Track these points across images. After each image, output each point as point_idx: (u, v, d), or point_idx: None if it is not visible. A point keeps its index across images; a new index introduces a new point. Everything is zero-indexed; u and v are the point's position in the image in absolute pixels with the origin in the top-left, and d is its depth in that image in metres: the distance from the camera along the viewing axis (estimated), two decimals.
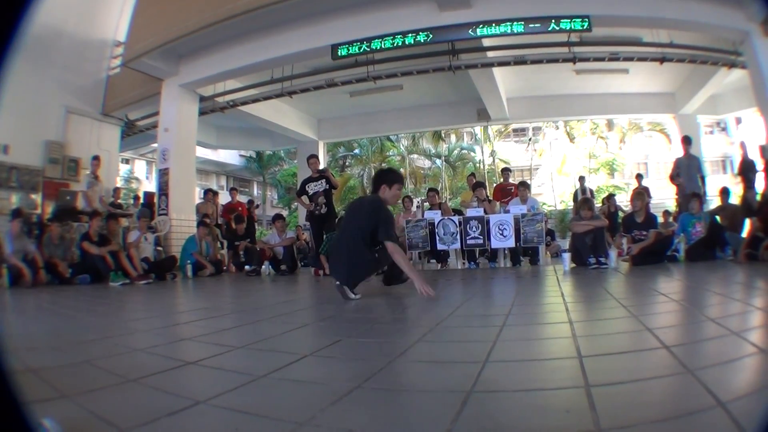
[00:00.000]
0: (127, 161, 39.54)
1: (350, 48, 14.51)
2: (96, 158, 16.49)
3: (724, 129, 42.05)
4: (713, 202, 16.59)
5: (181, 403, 2.25)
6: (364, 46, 14.39)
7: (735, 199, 14.65)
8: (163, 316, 6.23)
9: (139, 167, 42.80)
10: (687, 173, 14.73)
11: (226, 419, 2.07)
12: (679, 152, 15.72)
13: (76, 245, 12.85)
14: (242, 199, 24.23)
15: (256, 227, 20.67)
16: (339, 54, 14.64)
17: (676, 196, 15.76)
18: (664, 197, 20.53)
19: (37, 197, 16.16)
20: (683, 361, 2.52)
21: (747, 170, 14.64)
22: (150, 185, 33.62)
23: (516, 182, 16.08)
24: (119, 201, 18.96)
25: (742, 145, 16.33)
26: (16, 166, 15.52)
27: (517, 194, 13.94)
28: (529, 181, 15.58)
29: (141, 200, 20.05)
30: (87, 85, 18.22)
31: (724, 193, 14.12)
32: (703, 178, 14.81)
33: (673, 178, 15.14)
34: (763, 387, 2.18)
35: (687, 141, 15.41)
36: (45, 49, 15.66)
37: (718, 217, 12.56)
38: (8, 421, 1.28)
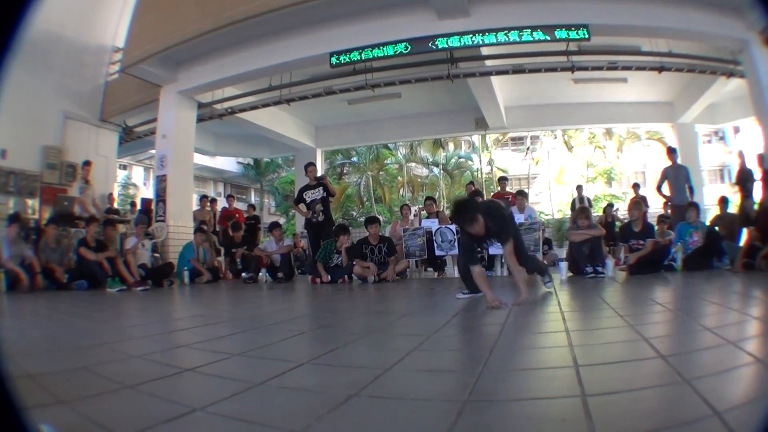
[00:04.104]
0: (124, 167, 39.45)
1: (348, 56, 14.53)
2: (87, 163, 16.47)
3: (722, 138, 42.09)
4: (709, 211, 16.56)
5: (177, 410, 2.26)
6: (362, 54, 14.41)
7: (733, 208, 14.61)
8: (160, 323, 6.25)
9: (137, 173, 42.69)
10: (675, 183, 14.67)
11: (223, 427, 2.08)
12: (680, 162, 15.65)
13: (74, 251, 12.84)
14: (240, 206, 24.26)
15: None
16: (337, 62, 14.64)
17: (664, 209, 15.76)
18: (659, 207, 20.48)
19: (34, 202, 16.14)
20: (679, 370, 2.53)
21: (745, 179, 14.62)
22: (148, 191, 33.55)
23: (513, 191, 16.06)
24: (114, 206, 18.95)
25: (740, 155, 16.28)
26: (14, 171, 15.46)
27: (515, 203, 13.92)
28: (526, 190, 15.45)
29: (138, 206, 20.02)
30: (85, 90, 18.20)
31: (723, 202, 14.08)
32: (691, 189, 14.72)
33: (660, 188, 15.11)
34: (760, 397, 2.18)
35: (672, 152, 15.36)
36: (43, 55, 15.62)
37: (716, 227, 12.56)
38: (7, 426, 1.28)
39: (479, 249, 6.72)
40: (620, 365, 2.89)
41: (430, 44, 14.03)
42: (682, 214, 12.88)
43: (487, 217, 6.39)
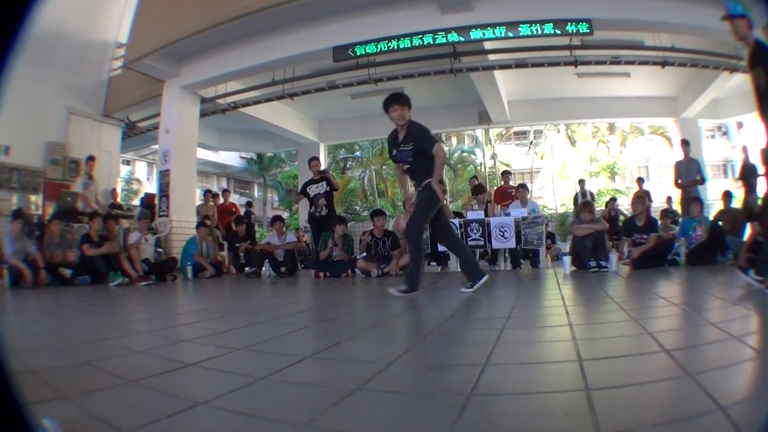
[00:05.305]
0: (128, 162, 39.46)
1: (352, 50, 14.57)
2: (91, 158, 16.54)
3: (725, 133, 41.89)
4: (713, 206, 16.53)
5: (180, 404, 2.25)
6: (370, 47, 14.47)
7: (737, 203, 14.58)
8: (163, 318, 6.24)
9: (140, 168, 42.70)
10: (686, 177, 14.69)
11: (226, 421, 2.07)
12: (680, 156, 15.62)
13: (77, 246, 12.86)
14: (236, 200, 24.34)
15: (256, 228, 20.74)
16: (340, 56, 14.69)
17: (667, 203, 15.75)
18: (663, 201, 20.46)
19: (37, 198, 16.17)
20: (683, 365, 2.53)
21: (748, 174, 14.54)
22: (151, 186, 33.63)
23: (516, 185, 16.05)
24: (118, 201, 18.97)
25: (744, 150, 16.19)
26: (18, 167, 15.53)
27: (518, 197, 13.92)
28: (529, 185, 15.46)
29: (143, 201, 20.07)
30: (88, 86, 18.24)
31: (727, 197, 14.06)
32: (703, 180, 14.73)
33: (677, 182, 15.12)
34: (764, 391, 2.18)
35: (686, 144, 15.36)
36: (47, 50, 15.63)
37: (720, 222, 12.54)
38: (9, 421, 1.28)
39: (398, 157, 7.18)
40: (624, 359, 2.89)
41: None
42: (691, 194, 12.98)
43: (417, 129, 7.17)
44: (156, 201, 17.54)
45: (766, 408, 1.87)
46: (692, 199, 12.73)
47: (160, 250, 14.97)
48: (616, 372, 2.59)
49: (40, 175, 16.26)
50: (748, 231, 11.63)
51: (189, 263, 13.68)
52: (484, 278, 6.98)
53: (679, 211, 15.19)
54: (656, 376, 2.41)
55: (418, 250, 7.26)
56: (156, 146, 21.64)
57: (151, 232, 14.71)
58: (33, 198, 16.06)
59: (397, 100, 7.12)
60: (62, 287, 11.70)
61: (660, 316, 4.50)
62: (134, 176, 41.06)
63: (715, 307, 5.10)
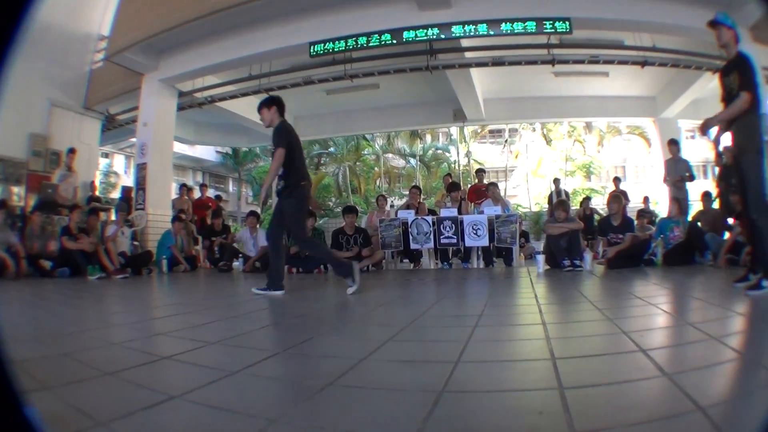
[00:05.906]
0: (106, 155, 39.14)
1: (327, 46, 14.63)
2: (72, 151, 16.47)
3: (706, 134, 41.90)
4: (693, 206, 16.60)
5: (156, 397, 2.28)
6: (341, 44, 14.52)
7: (716, 203, 14.62)
8: (139, 311, 6.26)
9: (118, 162, 42.34)
10: (674, 175, 14.66)
11: (200, 414, 2.10)
12: (666, 156, 15.58)
13: (57, 238, 12.84)
14: (210, 194, 24.30)
15: (228, 223, 20.72)
16: (316, 51, 14.78)
17: (644, 203, 15.78)
18: (640, 201, 20.49)
19: (20, 190, 16.13)
20: (660, 364, 2.56)
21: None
22: (128, 180, 33.42)
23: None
24: (97, 194, 18.89)
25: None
26: (3, 159, 15.49)
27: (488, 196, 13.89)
28: (504, 183, 15.38)
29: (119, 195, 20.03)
30: (71, 78, 18.16)
31: (706, 197, 14.05)
32: (692, 177, 14.58)
33: (665, 179, 15.09)
34: (746, 393, 2.21)
35: (673, 143, 15.26)
36: (32, 43, 15.50)
37: (699, 222, 12.55)
38: (5, 410, 1.30)
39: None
40: (599, 358, 2.92)
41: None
42: (675, 193, 13.06)
43: (275, 129, 7.19)
44: (133, 194, 17.52)
45: (748, 409, 1.91)
46: (671, 199, 12.77)
47: (136, 243, 14.96)
48: (590, 371, 2.62)
49: (24, 167, 16.19)
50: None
51: (164, 256, 13.68)
52: (280, 292, 7.09)
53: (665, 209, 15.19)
54: (632, 376, 2.44)
55: (275, 253, 7.40)
56: (134, 139, 21.51)
57: (127, 225, 14.69)
58: (16, 189, 16.01)
59: (262, 105, 7.37)
60: (42, 279, 11.67)
61: (636, 316, 4.51)
62: (112, 169, 40.80)
63: (692, 308, 5.14)
